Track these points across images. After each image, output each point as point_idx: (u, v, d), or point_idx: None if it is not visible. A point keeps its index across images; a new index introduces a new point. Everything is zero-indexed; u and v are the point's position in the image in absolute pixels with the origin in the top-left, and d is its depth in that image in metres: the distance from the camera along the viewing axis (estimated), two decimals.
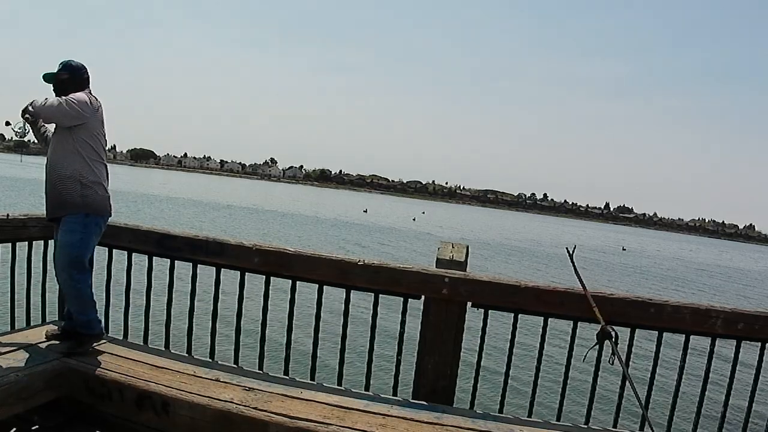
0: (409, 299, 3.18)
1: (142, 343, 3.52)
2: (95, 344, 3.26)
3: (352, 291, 3.25)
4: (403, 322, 3.19)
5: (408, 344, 3.22)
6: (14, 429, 2.87)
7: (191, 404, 2.69)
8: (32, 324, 3.56)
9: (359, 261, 3.21)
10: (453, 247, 3.34)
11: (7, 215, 3.47)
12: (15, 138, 3.31)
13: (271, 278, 3.35)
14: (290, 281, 3.32)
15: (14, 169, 73.80)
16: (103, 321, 3.67)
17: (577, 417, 3.42)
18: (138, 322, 3.64)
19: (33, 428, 2.96)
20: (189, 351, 3.50)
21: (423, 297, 3.14)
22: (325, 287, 3.28)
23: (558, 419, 3.11)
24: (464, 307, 3.13)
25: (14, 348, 3.04)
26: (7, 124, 3.13)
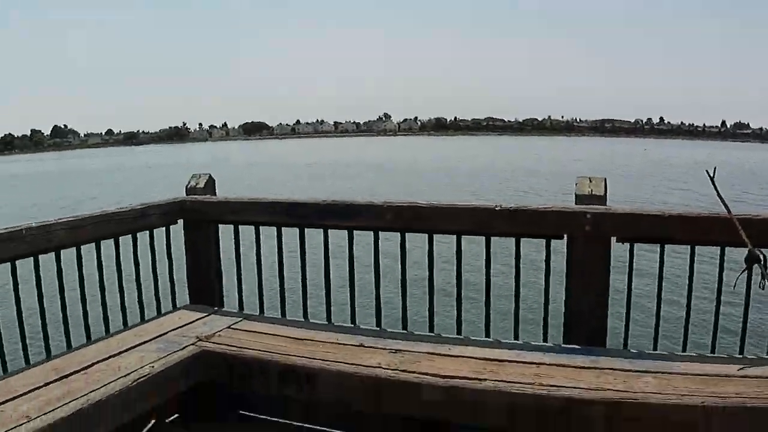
0: (552, 240, 3.04)
1: (279, 317, 3.51)
2: (231, 324, 3.21)
3: (492, 238, 3.15)
4: (547, 265, 3.06)
5: (554, 288, 3.09)
6: (153, 421, 2.87)
7: (338, 373, 2.62)
8: (163, 312, 3.54)
9: (496, 206, 3.07)
10: (591, 181, 3.15)
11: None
12: None
13: (406, 234, 3.28)
14: (426, 235, 3.25)
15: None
16: (237, 299, 3.70)
17: (731, 348, 3.19)
18: (273, 297, 3.61)
19: (173, 417, 3.01)
20: (329, 319, 3.46)
21: (565, 236, 2.99)
22: (463, 237, 3.19)
23: (712, 352, 2.91)
24: (609, 243, 2.95)
25: (148, 339, 2.99)
26: None
